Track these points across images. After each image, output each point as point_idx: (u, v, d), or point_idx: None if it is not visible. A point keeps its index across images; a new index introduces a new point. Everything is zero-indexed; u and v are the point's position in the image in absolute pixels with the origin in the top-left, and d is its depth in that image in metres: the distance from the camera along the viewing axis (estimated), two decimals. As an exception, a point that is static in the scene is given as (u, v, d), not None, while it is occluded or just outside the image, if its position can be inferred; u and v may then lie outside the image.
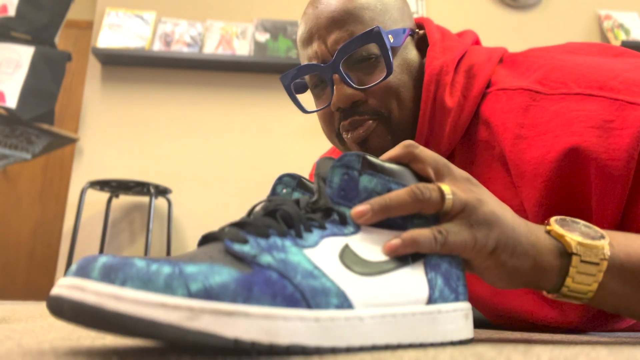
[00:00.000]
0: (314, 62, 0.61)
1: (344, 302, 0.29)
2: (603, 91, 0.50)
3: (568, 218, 0.41)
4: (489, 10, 2.73)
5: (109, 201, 2.31)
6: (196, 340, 0.24)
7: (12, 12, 1.75)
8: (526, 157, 0.52)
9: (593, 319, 0.57)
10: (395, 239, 0.34)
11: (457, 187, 0.38)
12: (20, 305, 1.29)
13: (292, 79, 0.64)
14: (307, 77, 0.65)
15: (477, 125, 0.59)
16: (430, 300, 0.34)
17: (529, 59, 0.60)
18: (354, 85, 0.59)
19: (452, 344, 0.34)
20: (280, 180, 0.40)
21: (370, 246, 0.34)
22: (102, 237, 2.27)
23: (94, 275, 0.24)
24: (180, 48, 2.50)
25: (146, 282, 0.24)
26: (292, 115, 2.53)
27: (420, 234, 0.35)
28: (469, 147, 0.60)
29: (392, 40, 0.59)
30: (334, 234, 0.33)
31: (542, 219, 0.51)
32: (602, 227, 0.48)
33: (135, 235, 2.39)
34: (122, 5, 2.63)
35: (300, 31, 0.63)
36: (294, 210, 0.33)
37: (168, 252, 2.28)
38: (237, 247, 0.29)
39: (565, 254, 0.39)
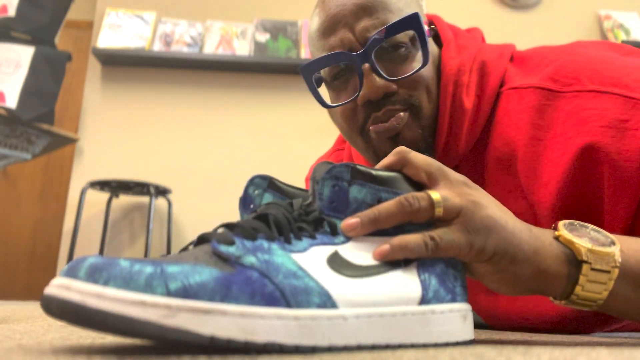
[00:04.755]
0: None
1: (327, 302, 0.29)
2: (617, 88, 0.49)
3: (576, 222, 0.40)
4: (488, 10, 2.73)
5: (109, 201, 2.31)
6: (173, 337, 0.24)
7: (12, 12, 1.75)
8: (542, 159, 0.52)
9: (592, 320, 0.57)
10: (384, 245, 0.34)
11: (452, 191, 0.37)
12: (20, 305, 1.29)
13: (314, 69, 0.58)
14: (325, 69, 0.60)
15: (490, 126, 0.58)
16: (424, 301, 0.33)
17: (539, 55, 0.58)
18: (387, 77, 0.55)
19: (448, 345, 0.33)
20: (252, 181, 0.41)
21: (360, 253, 0.34)
22: (102, 237, 2.27)
23: (80, 275, 0.25)
24: (180, 48, 2.50)
25: (127, 281, 0.25)
26: (292, 115, 2.53)
27: (409, 240, 0.34)
28: (479, 149, 0.59)
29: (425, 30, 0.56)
30: (324, 243, 0.33)
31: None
32: (613, 230, 0.47)
33: (135, 236, 2.39)
34: (122, 5, 2.62)
35: (319, 20, 0.59)
36: (285, 217, 0.33)
37: (168, 252, 2.28)
38: (223, 248, 0.29)
39: (574, 261, 0.37)
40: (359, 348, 0.30)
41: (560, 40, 2.66)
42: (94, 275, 0.25)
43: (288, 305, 0.28)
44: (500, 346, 0.34)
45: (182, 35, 2.54)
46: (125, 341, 0.33)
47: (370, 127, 0.57)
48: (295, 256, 0.31)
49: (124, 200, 2.40)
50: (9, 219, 2.96)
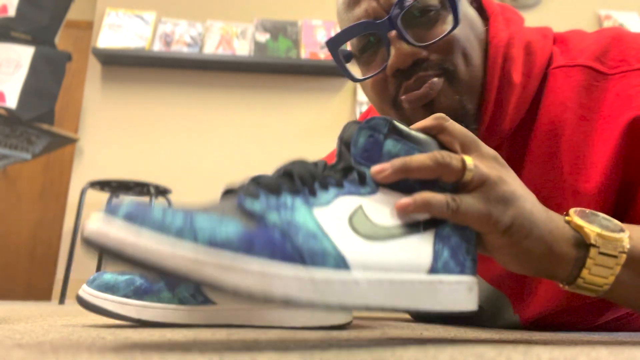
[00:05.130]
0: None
1: (341, 264, 0.30)
2: None
3: (588, 210, 0.41)
4: (489, 10, 2.73)
5: (109, 201, 2.31)
6: (202, 282, 0.26)
7: (12, 12, 1.75)
8: (590, 140, 0.52)
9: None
10: (407, 198, 0.34)
11: (482, 162, 0.37)
12: (20, 305, 1.29)
13: (340, 42, 0.56)
14: (353, 43, 0.58)
15: (537, 106, 0.56)
16: (432, 270, 0.34)
17: (580, 35, 0.58)
18: (415, 43, 0.52)
19: (452, 314, 0.34)
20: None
21: (384, 209, 0.34)
22: (102, 237, 2.27)
23: (119, 215, 0.27)
24: (180, 48, 2.50)
25: (161, 228, 0.27)
26: (292, 115, 2.53)
27: (433, 197, 0.35)
28: (519, 132, 0.57)
29: None
30: (350, 193, 0.34)
31: (600, 206, 0.50)
32: None
33: (135, 235, 2.39)
34: (122, 6, 2.62)
35: None
36: (310, 168, 0.34)
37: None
38: (248, 203, 0.30)
39: (583, 244, 0.38)
40: (367, 308, 0.31)
41: (560, 40, 2.66)
42: (132, 218, 0.26)
43: (304, 264, 0.29)
44: (500, 346, 0.34)
45: (182, 35, 2.54)
46: (126, 341, 0.33)
47: (403, 97, 0.55)
48: (318, 212, 0.31)
49: (124, 200, 2.40)
50: (9, 219, 2.96)
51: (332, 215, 0.32)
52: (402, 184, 0.35)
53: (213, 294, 0.51)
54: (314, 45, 2.57)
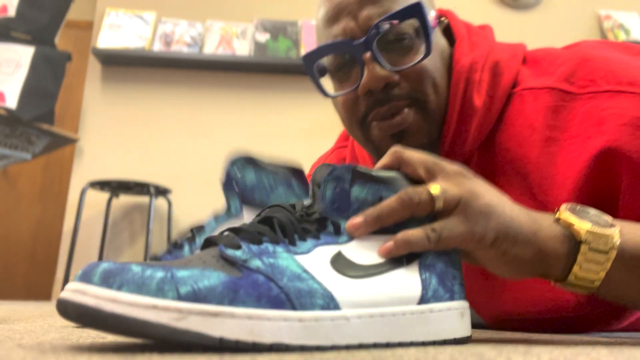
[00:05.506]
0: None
1: (330, 303, 0.30)
2: (634, 87, 0.49)
3: (578, 206, 0.41)
4: (488, 10, 2.73)
5: (109, 201, 2.31)
6: (184, 339, 0.26)
7: (12, 12, 1.75)
8: (557, 160, 0.52)
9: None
10: (389, 242, 0.35)
11: (449, 182, 0.38)
12: (20, 305, 1.29)
13: (316, 58, 0.57)
14: (329, 59, 0.59)
15: (500, 126, 0.57)
16: (423, 300, 0.34)
17: (550, 56, 0.58)
18: (388, 66, 0.54)
19: (446, 342, 0.34)
20: (233, 163, 0.41)
21: (364, 252, 0.34)
22: (102, 238, 2.27)
23: (94, 280, 0.26)
24: (180, 48, 2.50)
25: (140, 286, 0.26)
26: (292, 115, 2.53)
27: (412, 235, 0.35)
28: (488, 149, 0.58)
29: (430, 20, 0.55)
30: (327, 243, 0.34)
31: None
32: None
33: (135, 236, 2.39)
34: (122, 6, 2.62)
35: (324, 10, 0.58)
36: (289, 219, 0.34)
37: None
38: (230, 252, 0.30)
39: (573, 241, 0.38)
40: (361, 346, 0.30)
41: (560, 40, 2.66)
42: (108, 280, 0.26)
43: (293, 307, 0.29)
44: (500, 346, 0.34)
45: (182, 35, 2.54)
46: (126, 341, 0.33)
47: (373, 123, 0.57)
48: (300, 258, 0.32)
49: (124, 200, 2.40)
50: (9, 219, 2.96)
51: (314, 260, 0.32)
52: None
53: None
54: (313, 45, 2.56)
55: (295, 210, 0.36)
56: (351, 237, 0.35)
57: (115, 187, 2.18)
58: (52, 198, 3.01)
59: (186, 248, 0.49)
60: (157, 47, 2.50)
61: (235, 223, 0.47)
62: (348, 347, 0.30)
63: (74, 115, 3.04)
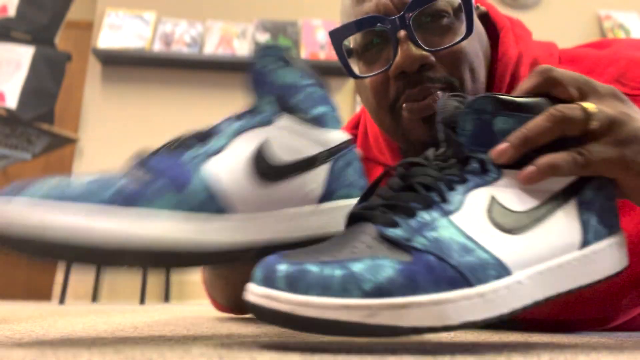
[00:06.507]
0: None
1: (502, 271, 0.30)
2: None
3: None
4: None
5: (109, 201, 2.30)
6: (377, 333, 0.27)
7: (12, 12, 1.75)
8: None
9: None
10: (529, 167, 0.32)
11: (602, 104, 0.35)
12: (20, 305, 1.29)
13: (344, 35, 0.53)
14: (357, 39, 0.54)
15: None
16: (584, 244, 0.33)
17: (592, 55, 0.56)
18: (424, 46, 0.49)
19: (609, 278, 0.34)
20: (264, 54, 0.39)
21: (517, 192, 0.33)
22: (102, 237, 2.27)
23: (279, 285, 0.27)
24: (180, 48, 2.50)
25: (325, 288, 0.27)
26: (292, 115, 2.53)
27: (557, 157, 0.33)
28: None
29: None
30: (477, 185, 0.32)
31: None
32: None
33: (135, 236, 2.39)
34: (122, 6, 2.63)
35: None
36: (430, 175, 0.33)
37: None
38: (391, 232, 0.30)
39: None
40: (535, 304, 0.31)
41: (560, 40, 2.66)
42: (293, 285, 0.27)
43: (469, 283, 0.29)
44: (500, 346, 0.34)
45: (182, 35, 2.54)
46: (125, 341, 0.33)
47: (403, 105, 0.52)
48: (458, 220, 0.31)
49: (124, 200, 2.40)
50: (9, 219, 2.96)
51: (471, 217, 0.31)
52: (522, 160, 0.33)
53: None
54: (313, 45, 2.57)
55: (428, 160, 0.34)
56: (499, 173, 0.33)
57: (115, 187, 2.18)
58: (52, 198, 3.01)
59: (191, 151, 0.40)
60: (157, 47, 2.50)
61: (265, 130, 0.41)
62: (524, 308, 0.30)
63: (74, 115, 3.04)
